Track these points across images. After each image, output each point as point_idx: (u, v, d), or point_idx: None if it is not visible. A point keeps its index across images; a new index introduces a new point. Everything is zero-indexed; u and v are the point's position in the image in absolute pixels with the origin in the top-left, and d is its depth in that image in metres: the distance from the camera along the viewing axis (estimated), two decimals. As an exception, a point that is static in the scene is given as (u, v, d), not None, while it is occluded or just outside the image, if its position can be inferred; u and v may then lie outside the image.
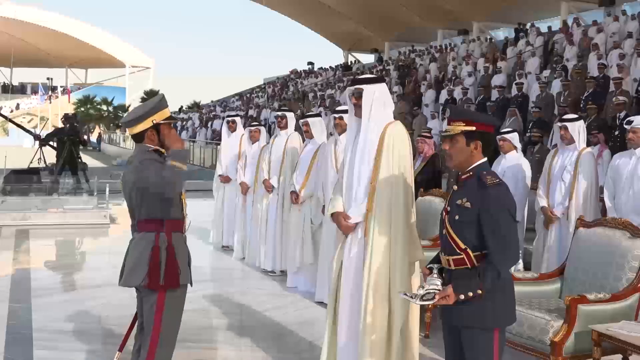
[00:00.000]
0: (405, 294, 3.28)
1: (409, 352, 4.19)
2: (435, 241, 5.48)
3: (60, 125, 15.59)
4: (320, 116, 7.93)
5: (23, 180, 13.18)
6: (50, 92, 67.84)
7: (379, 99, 4.24)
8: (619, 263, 4.51)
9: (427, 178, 7.32)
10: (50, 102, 63.56)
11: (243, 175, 8.90)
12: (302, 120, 7.52)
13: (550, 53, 19.22)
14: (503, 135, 7.09)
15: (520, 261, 7.00)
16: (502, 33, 31.49)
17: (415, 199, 4.47)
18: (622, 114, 10.67)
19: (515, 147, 7.09)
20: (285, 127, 8.01)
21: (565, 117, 6.63)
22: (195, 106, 49.70)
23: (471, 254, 3.13)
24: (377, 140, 4.18)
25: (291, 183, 7.39)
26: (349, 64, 39.28)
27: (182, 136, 31.17)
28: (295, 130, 8.17)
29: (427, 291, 3.16)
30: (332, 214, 4.31)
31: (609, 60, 15.47)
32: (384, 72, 26.72)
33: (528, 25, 23.77)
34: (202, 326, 5.76)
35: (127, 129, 3.67)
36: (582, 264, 4.76)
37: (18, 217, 11.45)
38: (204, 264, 8.42)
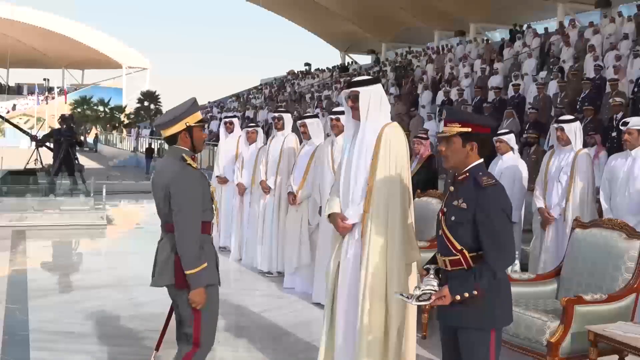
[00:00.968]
0: (402, 295, 3.29)
1: (406, 352, 4.19)
2: (432, 242, 5.48)
3: (57, 126, 15.57)
4: (318, 117, 7.93)
5: (20, 181, 13.16)
6: (46, 93, 67.77)
7: (375, 101, 4.25)
8: (615, 264, 4.52)
9: (424, 179, 7.32)
10: (47, 103, 63.50)
11: (240, 176, 8.91)
12: (299, 122, 7.52)
13: (546, 54, 19.25)
14: (499, 137, 7.10)
15: (517, 262, 7.00)
16: (498, 34, 31.60)
17: (412, 200, 4.47)
18: (619, 115, 10.69)
19: (511, 148, 7.10)
20: (282, 128, 8.01)
21: (562, 118, 6.64)
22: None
23: (467, 255, 3.14)
24: (375, 141, 4.19)
25: (288, 184, 7.39)
26: (346, 65, 39.31)
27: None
28: (293, 131, 8.17)
29: (424, 292, 3.16)
30: (328, 215, 4.32)
31: (605, 62, 15.50)
32: (380, 73, 26.77)
33: (524, 27, 23.81)
34: (199, 327, 5.75)
35: (160, 131, 3.74)
36: (579, 265, 4.77)
37: (15, 218, 11.44)
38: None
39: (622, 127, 6.08)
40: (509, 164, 6.99)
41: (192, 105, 3.70)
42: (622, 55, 15.29)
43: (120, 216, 13.78)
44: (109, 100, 63.30)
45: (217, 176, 9.53)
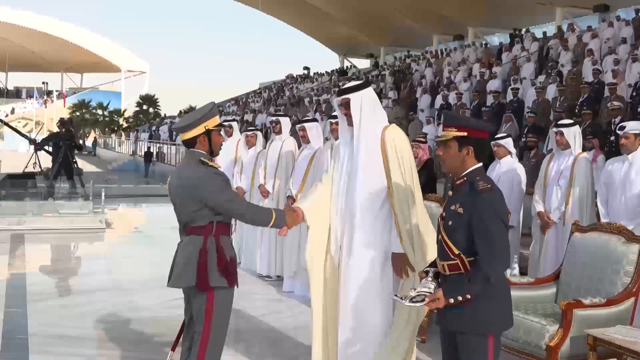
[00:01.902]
0: (396, 295, 3.30)
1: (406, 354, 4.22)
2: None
3: (56, 129, 15.56)
4: (317, 121, 7.94)
5: (18, 184, 13.14)
6: (45, 97, 67.77)
7: (368, 105, 4.25)
8: (614, 268, 4.53)
9: (422, 183, 7.31)
10: (46, 107, 63.52)
11: (239, 180, 8.90)
12: (298, 125, 7.53)
13: (545, 58, 19.28)
14: (497, 141, 7.11)
15: (516, 266, 7.01)
16: (497, 38, 31.63)
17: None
18: (617, 120, 10.70)
19: (510, 153, 7.11)
20: (280, 132, 8.01)
21: (561, 122, 6.65)
22: (191, 111, 49.68)
23: (465, 260, 3.14)
24: (378, 145, 4.19)
25: (288, 188, 7.39)
26: (345, 69, 39.32)
27: (177, 140, 31.06)
28: (292, 134, 8.17)
29: (418, 293, 3.18)
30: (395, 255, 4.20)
31: (603, 66, 15.51)
32: (379, 77, 26.78)
33: (523, 31, 23.85)
34: (198, 331, 5.75)
35: (179, 135, 3.82)
36: (578, 269, 4.78)
37: (13, 222, 11.42)
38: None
39: (618, 131, 6.09)
40: (507, 168, 7.00)
41: (211, 110, 3.77)
42: (620, 60, 15.31)
43: (119, 220, 13.76)
44: (107, 104, 63.32)
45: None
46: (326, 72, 36.64)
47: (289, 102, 30.45)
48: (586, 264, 4.73)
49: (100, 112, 62.79)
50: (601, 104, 12.97)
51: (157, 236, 11.33)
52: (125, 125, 59.42)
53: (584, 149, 7.22)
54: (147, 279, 7.78)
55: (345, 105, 4.25)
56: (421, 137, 8.32)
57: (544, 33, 22.28)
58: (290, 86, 36.53)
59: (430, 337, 5.34)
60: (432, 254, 4.00)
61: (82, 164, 16.98)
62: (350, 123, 4.28)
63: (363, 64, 42.66)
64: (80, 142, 34.58)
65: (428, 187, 7.31)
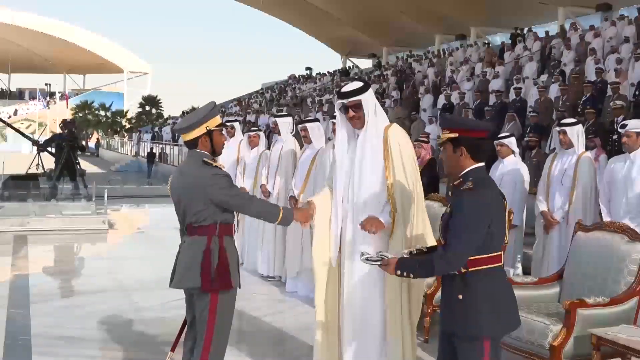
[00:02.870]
0: (362, 255, 3.32)
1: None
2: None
3: (59, 131, 15.57)
4: (319, 121, 7.93)
5: (21, 186, 13.15)
6: (48, 98, 67.85)
7: (373, 105, 4.25)
8: (618, 267, 4.52)
9: (425, 183, 7.29)
10: (49, 108, 63.59)
11: (242, 180, 8.89)
12: (300, 126, 7.52)
13: (547, 58, 19.24)
14: (500, 140, 7.10)
15: (519, 265, 7.01)
16: (499, 38, 31.57)
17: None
18: (620, 118, 10.68)
19: (513, 152, 7.09)
20: (280, 132, 8.00)
21: (564, 121, 6.64)
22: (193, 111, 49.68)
23: None
24: (381, 144, 4.19)
25: (290, 188, 7.39)
26: (347, 69, 39.32)
27: (179, 141, 31.10)
28: (295, 134, 8.17)
29: (380, 256, 3.24)
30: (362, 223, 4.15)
31: (606, 65, 15.48)
32: (382, 77, 26.76)
33: (525, 30, 23.82)
34: (201, 332, 5.74)
35: (181, 135, 3.83)
36: (581, 268, 4.77)
37: (16, 223, 11.43)
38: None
39: (620, 130, 6.08)
40: (510, 168, 6.98)
41: (211, 110, 3.78)
42: (623, 59, 15.28)
43: (121, 221, 13.78)
44: (110, 105, 63.42)
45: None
46: (328, 72, 36.64)
47: (291, 103, 30.45)
48: (590, 263, 4.71)
49: (102, 113, 62.88)
50: (604, 103, 12.95)
51: (159, 237, 11.32)
52: (127, 126, 59.50)
53: (587, 149, 7.20)
54: (149, 280, 7.78)
55: (354, 107, 4.17)
56: (424, 137, 8.30)
57: (547, 32, 22.23)
58: (293, 86, 36.53)
59: (432, 337, 5.32)
60: None
61: (84, 165, 17.00)
62: (356, 125, 4.24)
63: (365, 64, 42.65)
64: (83, 143, 34.63)
65: (431, 187, 7.30)
